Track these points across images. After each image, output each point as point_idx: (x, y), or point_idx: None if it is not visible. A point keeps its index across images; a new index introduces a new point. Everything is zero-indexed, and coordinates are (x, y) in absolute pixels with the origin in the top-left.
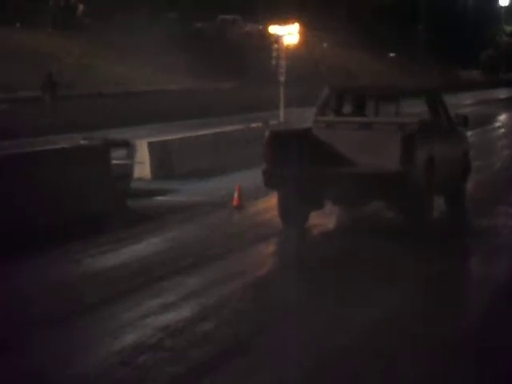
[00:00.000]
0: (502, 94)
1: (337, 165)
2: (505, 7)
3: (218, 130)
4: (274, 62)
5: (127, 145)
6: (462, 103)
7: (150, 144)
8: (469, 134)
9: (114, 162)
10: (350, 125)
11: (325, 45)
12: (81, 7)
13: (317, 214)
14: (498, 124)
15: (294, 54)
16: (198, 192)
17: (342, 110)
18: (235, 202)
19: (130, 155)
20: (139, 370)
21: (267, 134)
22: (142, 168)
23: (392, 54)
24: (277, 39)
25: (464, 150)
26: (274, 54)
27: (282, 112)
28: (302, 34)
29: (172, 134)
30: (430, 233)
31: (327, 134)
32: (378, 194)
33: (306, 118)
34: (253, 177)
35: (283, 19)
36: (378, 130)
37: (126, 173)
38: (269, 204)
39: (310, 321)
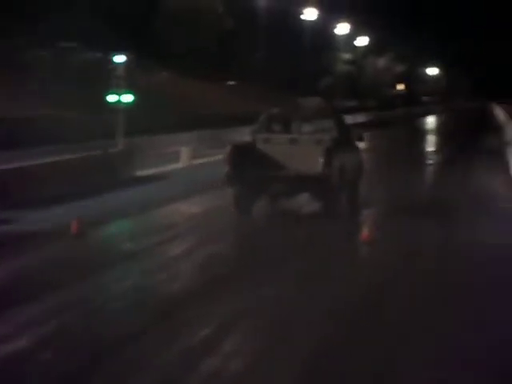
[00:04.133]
0: None
1: (275, 169)
2: (342, 36)
3: (57, 158)
4: (114, 90)
5: None
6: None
7: None
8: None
9: None
10: (282, 140)
11: (164, 73)
12: None
13: None
14: None
15: (133, 82)
16: (36, 221)
17: (273, 128)
18: (74, 231)
19: None
20: None
21: (229, 146)
22: None
23: (231, 82)
24: (116, 68)
25: (360, 159)
26: (114, 82)
27: (120, 140)
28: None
29: (10, 163)
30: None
31: (266, 147)
32: (305, 189)
33: (145, 145)
34: (93, 205)
35: (122, 48)
36: (303, 144)
37: None
38: (108, 232)
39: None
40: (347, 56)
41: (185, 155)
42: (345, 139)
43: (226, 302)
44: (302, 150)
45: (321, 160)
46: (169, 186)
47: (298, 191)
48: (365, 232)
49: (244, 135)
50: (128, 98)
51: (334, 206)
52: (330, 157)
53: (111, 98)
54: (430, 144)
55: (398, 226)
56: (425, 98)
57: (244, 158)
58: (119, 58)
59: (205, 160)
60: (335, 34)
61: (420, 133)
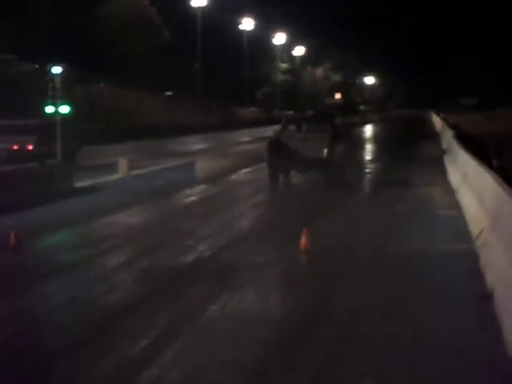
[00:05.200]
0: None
1: (294, 155)
2: (280, 45)
3: None
4: (50, 101)
5: None
6: (240, 140)
7: None
8: (248, 170)
9: None
10: (299, 137)
11: (101, 84)
12: None
13: None
14: None
15: (70, 93)
16: None
17: (290, 128)
18: (12, 243)
19: None
20: None
21: (268, 140)
22: None
23: (169, 93)
24: (53, 79)
25: (343, 149)
26: (50, 93)
27: (58, 151)
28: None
29: None
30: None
31: (288, 141)
32: (316, 168)
33: (83, 156)
34: (31, 216)
35: (60, 59)
36: (313, 140)
37: None
38: (47, 243)
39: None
40: (285, 65)
41: (123, 166)
42: (336, 136)
43: (165, 312)
44: (312, 143)
45: (325, 150)
46: (107, 197)
47: (309, 170)
48: (303, 242)
49: (184, 145)
50: (65, 109)
51: (333, 179)
52: (330, 148)
53: (48, 109)
54: (368, 153)
55: (336, 234)
56: (362, 107)
57: (275, 148)
58: (56, 70)
59: (143, 171)
60: (273, 44)
61: (358, 142)
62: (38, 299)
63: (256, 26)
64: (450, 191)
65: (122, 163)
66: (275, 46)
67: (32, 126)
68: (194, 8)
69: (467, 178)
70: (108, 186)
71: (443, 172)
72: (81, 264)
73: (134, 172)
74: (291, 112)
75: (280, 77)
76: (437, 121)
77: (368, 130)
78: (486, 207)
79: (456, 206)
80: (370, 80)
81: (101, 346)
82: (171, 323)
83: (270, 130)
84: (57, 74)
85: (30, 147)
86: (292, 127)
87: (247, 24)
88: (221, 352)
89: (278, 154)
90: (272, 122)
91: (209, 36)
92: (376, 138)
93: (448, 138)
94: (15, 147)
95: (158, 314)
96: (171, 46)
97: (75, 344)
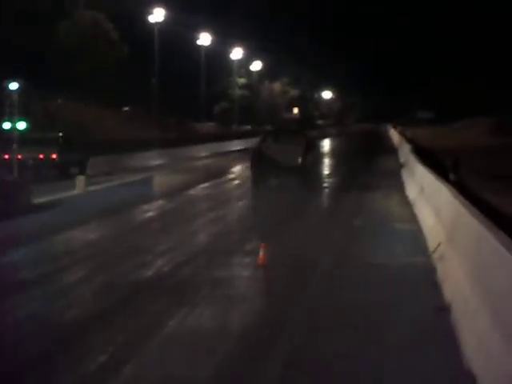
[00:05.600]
0: (235, 146)
1: (274, 161)
2: (237, 60)
3: None
4: (6, 117)
5: None
6: (198, 155)
7: None
8: (206, 185)
9: None
10: (276, 147)
11: (59, 100)
12: None
13: None
14: (232, 176)
15: (28, 109)
16: None
17: (268, 139)
18: None
19: None
20: None
21: (251, 150)
22: None
23: (126, 108)
24: (10, 95)
25: (314, 156)
26: (7, 109)
27: (15, 167)
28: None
29: None
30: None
31: (267, 151)
32: (291, 173)
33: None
34: None
35: (17, 75)
36: (289, 149)
37: None
38: (4, 260)
39: None
40: (242, 80)
41: (81, 182)
42: (308, 147)
43: (123, 328)
44: (288, 152)
45: (299, 158)
46: (65, 212)
47: (285, 174)
48: (260, 256)
49: (142, 160)
50: (22, 125)
51: (305, 183)
52: (303, 157)
53: (6, 126)
54: (326, 167)
55: (294, 248)
56: (320, 122)
57: (257, 157)
58: (13, 86)
59: (100, 186)
60: (230, 59)
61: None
62: None
63: (213, 41)
64: (407, 205)
65: (80, 179)
66: (232, 60)
67: (54, 138)
68: (151, 24)
69: (424, 192)
70: (66, 202)
71: (401, 186)
72: (38, 280)
73: (92, 188)
74: (249, 127)
75: (237, 92)
76: (394, 134)
77: (326, 144)
78: (442, 221)
79: (413, 219)
80: (327, 94)
81: (59, 362)
82: (129, 339)
83: (227, 145)
84: (14, 91)
85: (54, 156)
86: (271, 139)
87: (205, 39)
88: (178, 368)
89: (259, 161)
90: (229, 137)
91: (166, 51)
92: (334, 153)
93: (405, 152)
94: (41, 156)
95: (116, 330)
96: (129, 62)
97: (32, 360)
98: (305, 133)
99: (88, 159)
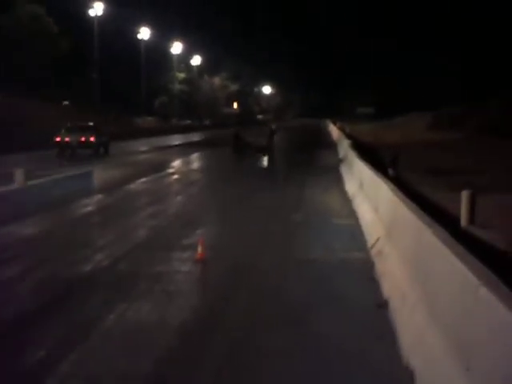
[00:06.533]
0: (175, 140)
1: (248, 143)
2: (177, 55)
3: None
4: None
5: None
6: (138, 150)
7: None
8: (146, 179)
9: None
10: (249, 132)
11: None
12: None
13: None
14: (171, 170)
15: None
16: None
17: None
18: None
19: None
20: None
21: (232, 134)
22: None
23: (66, 102)
24: None
25: (275, 141)
26: None
27: None
28: None
29: None
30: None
31: (244, 133)
32: (260, 151)
33: None
34: None
35: None
36: (259, 134)
37: None
38: None
39: None
40: (182, 75)
41: (19, 176)
42: (271, 134)
43: (61, 323)
44: (258, 136)
45: (266, 140)
46: (2, 208)
47: (258, 152)
48: (199, 251)
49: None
50: None
51: (270, 158)
52: (269, 139)
53: None
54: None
55: (233, 244)
56: (260, 116)
57: (236, 139)
58: None
59: (40, 181)
60: (170, 53)
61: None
62: None
63: (153, 35)
64: (346, 200)
65: (19, 173)
66: (172, 55)
67: (91, 126)
68: (91, 17)
69: (363, 187)
70: (4, 196)
71: (340, 181)
72: None
73: (31, 182)
74: (189, 121)
75: (177, 86)
76: (334, 130)
77: None
78: (381, 216)
79: (352, 214)
80: (267, 89)
81: None
82: (67, 334)
83: (167, 140)
84: None
85: (92, 139)
86: (245, 128)
87: (144, 33)
88: (117, 363)
89: (238, 142)
90: (170, 131)
91: (106, 46)
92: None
93: (344, 147)
94: (82, 139)
95: (54, 325)
96: (69, 56)
97: None
98: (269, 125)
99: (109, 142)
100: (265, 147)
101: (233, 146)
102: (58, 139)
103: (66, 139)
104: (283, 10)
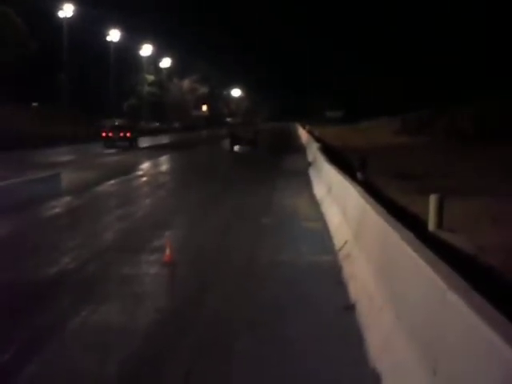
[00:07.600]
0: (143, 142)
1: (239, 137)
2: (146, 57)
3: None
4: None
5: None
6: (106, 152)
7: None
8: (114, 182)
9: None
10: (241, 128)
11: None
12: None
13: None
14: (140, 172)
15: None
16: None
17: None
18: None
19: None
20: None
21: (228, 131)
22: None
23: (35, 104)
24: None
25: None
26: None
27: None
28: None
29: None
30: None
31: (236, 131)
32: (248, 144)
33: None
34: None
35: None
36: (247, 130)
37: None
38: None
39: None
40: (151, 77)
41: None
42: (257, 131)
43: (27, 326)
44: (247, 132)
45: (253, 134)
46: None
47: (245, 144)
48: (167, 253)
49: (50, 157)
50: None
51: (255, 149)
52: (255, 135)
53: None
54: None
55: (201, 246)
56: (229, 119)
57: (231, 134)
58: None
59: (5, 183)
60: (140, 56)
61: (224, 154)
62: None
63: (123, 37)
64: (314, 203)
65: None
66: (142, 57)
67: (128, 123)
68: (60, 19)
69: (332, 191)
70: None
71: (308, 184)
72: None
73: None
74: (158, 124)
75: (146, 88)
76: (303, 133)
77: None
78: (349, 219)
79: (320, 218)
80: (236, 92)
81: None
82: (33, 337)
83: (140, 142)
84: None
85: (128, 134)
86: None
87: (114, 35)
88: (84, 366)
89: (232, 136)
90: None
91: (76, 47)
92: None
93: (313, 151)
94: (121, 134)
95: (20, 328)
96: (38, 57)
97: None
98: (256, 125)
99: (139, 137)
100: (253, 140)
101: (229, 139)
102: (103, 134)
103: (110, 134)
104: (257, 15)
